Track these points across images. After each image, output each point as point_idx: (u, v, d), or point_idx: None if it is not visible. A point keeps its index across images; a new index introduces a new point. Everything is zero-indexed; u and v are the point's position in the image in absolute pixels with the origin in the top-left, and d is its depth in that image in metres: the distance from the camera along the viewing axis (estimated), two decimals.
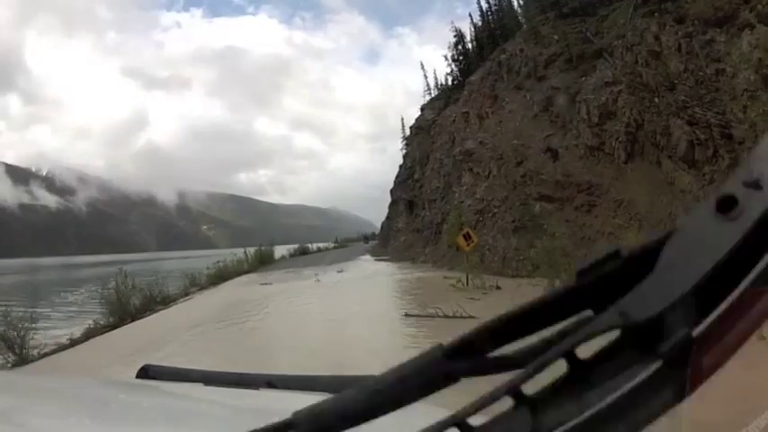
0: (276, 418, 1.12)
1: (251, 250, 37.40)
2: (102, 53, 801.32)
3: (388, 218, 61.09)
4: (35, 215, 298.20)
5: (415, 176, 46.34)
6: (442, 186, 34.39)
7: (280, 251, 46.79)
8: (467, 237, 15.73)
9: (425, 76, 54.29)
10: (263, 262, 37.28)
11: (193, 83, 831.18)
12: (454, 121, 37.26)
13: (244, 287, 20.28)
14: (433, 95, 52.89)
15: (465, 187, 24.91)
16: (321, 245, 62.82)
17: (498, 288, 14.52)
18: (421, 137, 48.22)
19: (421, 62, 71.69)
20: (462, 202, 24.04)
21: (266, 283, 20.00)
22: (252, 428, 1.05)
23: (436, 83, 52.70)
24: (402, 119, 58.42)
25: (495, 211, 20.56)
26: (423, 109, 52.23)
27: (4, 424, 0.97)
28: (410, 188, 47.67)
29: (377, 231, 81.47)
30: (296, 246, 54.17)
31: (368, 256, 40.19)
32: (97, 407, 1.27)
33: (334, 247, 65.50)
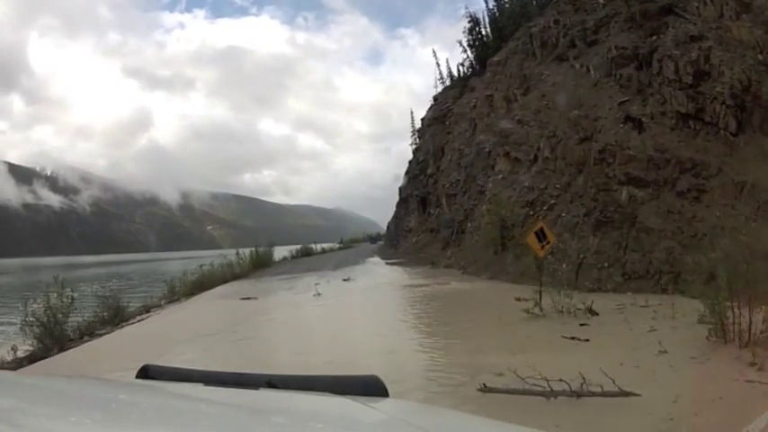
0: (276, 418, 1.23)
1: (246, 251, 32.28)
2: (105, 54, 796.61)
3: (395, 217, 56.97)
4: (39, 214, 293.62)
5: (429, 171, 41.80)
6: (462, 179, 29.49)
7: (282, 252, 42.27)
8: (540, 235, 10.50)
9: (438, 65, 49.53)
10: (260, 265, 32.25)
11: (196, 83, 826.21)
12: (475, 106, 32.66)
13: (220, 302, 15.29)
14: (446, 85, 48.16)
15: (501, 176, 19.88)
16: (325, 245, 57.90)
17: (594, 313, 9.40)
18: (434, 128, 43.63)
19: (433, 50, 66.60)
20: (498, 194, 18.95)
21: (249, 298, 14.94)
22: (252, 428, 1.15)
23: (449, 72, 48.04)
24: (411, 112, 53.89)
25: (554, 201, 15.52)
26: (436, 98, 47.60)
27: (4, 424, 0.95)
28: (423, 184, 43.27)
29: (382, 232, 77.72)
30: (299, 246, 48.95)
31: (377, 259, 35.18)
32: (97, 407, 1.26)
33: (339, 248, 61.02)
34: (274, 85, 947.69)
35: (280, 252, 41.67)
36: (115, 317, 14.87)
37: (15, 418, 1.05)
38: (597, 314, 9.43)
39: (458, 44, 43.98)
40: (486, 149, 27.10)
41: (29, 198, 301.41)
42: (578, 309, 9.65)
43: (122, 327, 13.49)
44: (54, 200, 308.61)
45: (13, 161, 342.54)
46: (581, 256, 13.04)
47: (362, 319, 10.93)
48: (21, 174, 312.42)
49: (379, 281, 18.40)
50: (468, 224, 25.74)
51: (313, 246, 50.98)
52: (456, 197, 29.35)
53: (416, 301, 12.99)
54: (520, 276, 14.32)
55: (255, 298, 14.85)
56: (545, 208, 15.68)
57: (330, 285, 16.70)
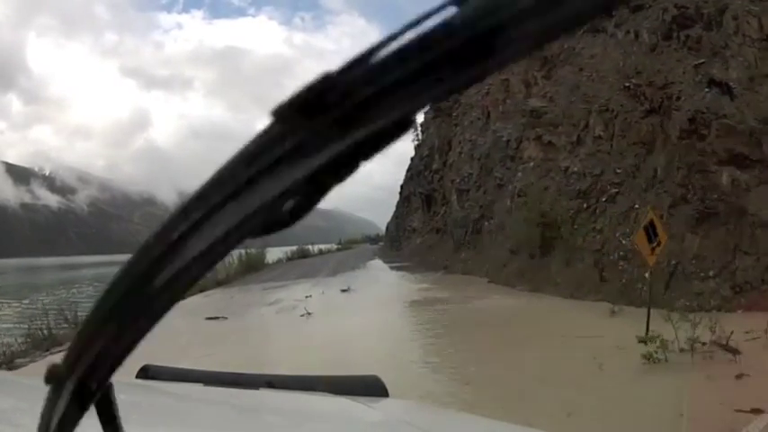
0: (276, 418, 1.28)
1: (234, 253, 28.67)
2: (103, 54, 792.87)
3: (396, 217, 53.87)
4: (37, 214, 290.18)
5: (434, 167, 38.39)
6: (476, 173, 26.03)
7: (277, 254, 38.76)
8: (649, 232, 6.99)
9: None
10: (250, 268, 28.72)
11: (194, 83, 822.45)
12: (488, 93, 29.13)
13: (176, 323, 11.43)
14: None
15: (532, 164, 16.39)
16: (323, 247, 54.29)
17: (735, 351, 5.92)
18: (440, 121, 40.11)
19: None
20: (531, 185, 15.48)
21: (216, 317, 11.27)
22: (252, 428, 1.19)
23: None
24: None
25: (616, 191, 12.05)
26: None
27: (4, 424, 0.94)
28: (427, 181, 39.89)
29: (380, 233, 74.54)
30: (295, 248, 45.33)
31: (379, 262, 31.66)
32: None
33: (338, 249, 57.36)
34: (272, 85, 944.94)
35: (275, 254, 38.33)
36: (47, 339, 11.47)
37: (15, 418, 1.04)
38: (739, 352, 5.98)
39: None
40: (504, 138, 23.74)
41: (27, 198, 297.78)
42: (699, 342, 6.20)
43: (50, 353, 10.07)
44: (52, 200, 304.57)
45: (10, 161, 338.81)
46: (672, 261, 9.57)
47: (371, 370, 7.11)
48: (19, 174, 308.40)
49: (387, 292, 14.80)
50: (486, 223, 22.31)
51: (310, 247, 47.45)
52: (469, 193, 25.88)
53: (448, 329, 9.08)
54: (576, 289, 10.85)
55: (225, 318, 11.19)
56: (603, 199, 12.23)
57: (325, 298, 13.17)
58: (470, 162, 27.10)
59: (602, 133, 13.49)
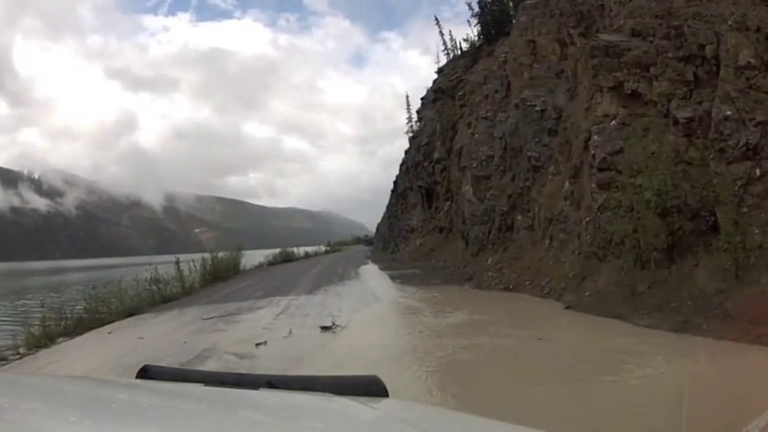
0: (276, 418, 1.19)
1: (194, 259, 22.74)
2: (88, 56, 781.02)
3: (389, 216, 48.26)
4: (26, 218, 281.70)
5: (435, 156, 32.65)
6: (498, 155, 20.29)
7: (257, 257, 32.88)
8: None
9: (441, 33, 40.58)
10: (217, 277, 22.67)
11: (180, 84, 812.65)
12: (505, 61, 23.47)
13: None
14: (450, 58, 39.39)
15: (614, 122, 10.44)
16: (309, 249, 48.30)
17: None
18: (441, 103, 34.61)
19: (435, 17, 56.95)
20: (618, 153, 9.55)
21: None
22: (252, 428, 1.10)
23: (453, 45, 39.62)
24: (407, 96, 45.40)
25: None
26: (440, 71, 38.66)
27: (3, 423, 0.93)
28: (428, 173, 34.18)
29: (370, 234, 69.52)
30: (278, 251, 39.20)
31: (373, 267, 25.74)
32: (97, 407, 1.21)
33: (326, 252, 51.47)
34: (258, 86, 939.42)
35: (255, 257, 32.41)
36: None
37: (15, 418, 1.00)
38: None
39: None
40: (538, 108, 18.04)
41: (15, 201, 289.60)
42: None
43: None
44: (40, 203, 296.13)
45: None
46: None
47: None
48: (6, 177, 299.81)
49: (399, 335, 8.44)
50: (520, 216, 16.47)
51: (295, 250, 41.35)
52: (490, 180, 19.97)
53: None
54: None
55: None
56: None
57: (288, 349, 7.07)
58: (489, 143, 21.23)
59: (751, 60, 7.69)
